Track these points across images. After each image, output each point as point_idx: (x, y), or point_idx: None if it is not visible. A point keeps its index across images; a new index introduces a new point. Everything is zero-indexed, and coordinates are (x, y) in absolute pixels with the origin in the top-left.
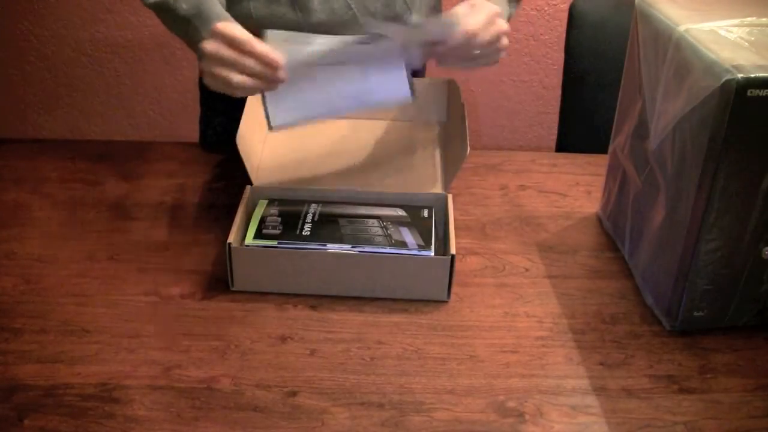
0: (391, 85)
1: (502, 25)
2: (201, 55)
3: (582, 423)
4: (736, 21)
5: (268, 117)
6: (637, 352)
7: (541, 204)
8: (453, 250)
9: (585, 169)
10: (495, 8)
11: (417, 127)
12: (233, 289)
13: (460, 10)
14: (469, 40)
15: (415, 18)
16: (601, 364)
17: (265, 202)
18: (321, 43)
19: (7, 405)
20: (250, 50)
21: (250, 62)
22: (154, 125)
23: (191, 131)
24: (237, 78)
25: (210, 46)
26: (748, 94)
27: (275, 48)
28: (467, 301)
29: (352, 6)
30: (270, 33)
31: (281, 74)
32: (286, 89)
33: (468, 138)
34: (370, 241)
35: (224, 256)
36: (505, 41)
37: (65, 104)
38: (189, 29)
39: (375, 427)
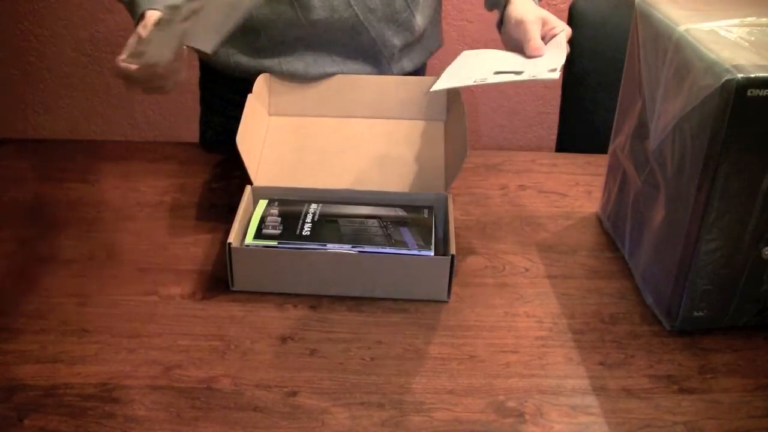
0: None
1: (567, 49)
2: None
3: (582, 423)
4: (736, 21)
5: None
6: (637, 352)
7: (541, 204)
8: (453, 250)
9: (585, 169)
10: (566, 30)
11: (417, 126)
12: (233, 289)
13: (536, 33)
14: None
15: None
16: (601, 364)
17: (265, 202)
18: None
19: (7, 405)
20: (156, 76)
21: (160, 81)
22: (154, 125)
23: (191, 131)
24: (160, 90)
25: (127, 86)
26: (748, 94)
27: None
28: (467, 301)
29: (352, 3)
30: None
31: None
32: (194, 22)
33: (467, 138)
34: (370, 241)
35: (224, 256)
36: None
37: (65, 104)
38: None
39: (375, 427)
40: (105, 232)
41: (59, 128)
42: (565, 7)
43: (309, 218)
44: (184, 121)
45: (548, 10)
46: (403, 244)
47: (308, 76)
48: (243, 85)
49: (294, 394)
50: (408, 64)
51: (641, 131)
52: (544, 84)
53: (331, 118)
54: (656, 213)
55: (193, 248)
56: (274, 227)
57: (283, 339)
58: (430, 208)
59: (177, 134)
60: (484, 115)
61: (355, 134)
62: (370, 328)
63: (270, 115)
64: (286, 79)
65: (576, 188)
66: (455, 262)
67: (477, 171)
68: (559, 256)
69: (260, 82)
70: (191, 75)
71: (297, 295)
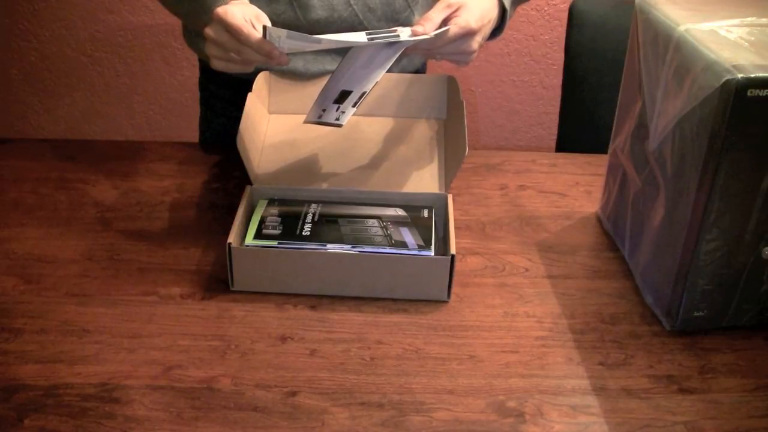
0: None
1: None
2: (204, 37)
3: (582, 423)
4: (736, 21)
5: None
6: (637, 352)
7: (541, 204)
8: (453, 250)
9: (585, 169)
10: (465, 25)
11: (417, 124)
12: (233, 289)
13: (435, 15)
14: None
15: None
16: (601, 364)
17: (265, 202)
18: (324, 45)
19: (7, 405)
20: (245, 41)
21: (248, 51)
22: (154, 125)
23: (191, 131)
24: (238, 62)
25: (210, 31)
26: (748, 94)
27: (276, 42)
28: (467, 301)
29: (352, 3)
30: (270, 30)
31: (282, 60)
32: None
33: (467, 137)
34: (370, 241)
35: (224, 256)
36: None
37: (65, 104)
38: (194, 6)
39: (375, 427)
40: (105, 232)
41: (59, 128)
42: (565, 7)
43: (309, 218)
44: (184, 121)
45: (548, 10)
46: (403, 245)
47: (308, 74)
48: (242, 84)
49: (294, 394)
50: (408, 63)
51: (641, 131)
52: (543, 85)
53: None
54: (656, 213)
55: (193, 248)
56: (274, 227)
57: (283, 339)
58: (430, 208)
59: (177, 134)
60: (484, 115)
61: (355, 133)
62: (370, 328)
63: (270, 113)
64: (285, 77)
65: (576, 188)
66: (455, 262)
67: (477, 171)
68: (559, 256)
69: (260, 81)
70: (192, 75)
71: (297, 295)
